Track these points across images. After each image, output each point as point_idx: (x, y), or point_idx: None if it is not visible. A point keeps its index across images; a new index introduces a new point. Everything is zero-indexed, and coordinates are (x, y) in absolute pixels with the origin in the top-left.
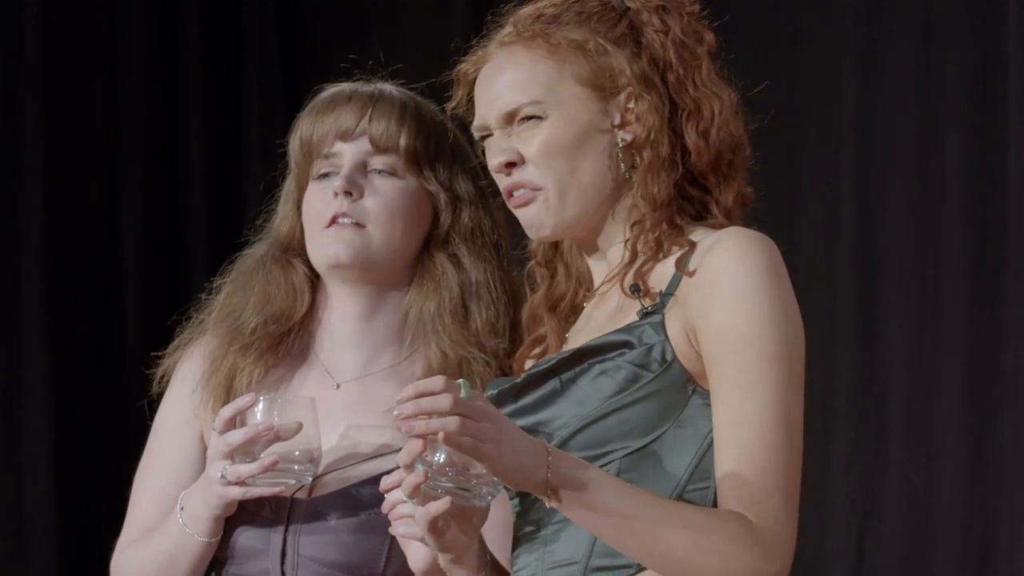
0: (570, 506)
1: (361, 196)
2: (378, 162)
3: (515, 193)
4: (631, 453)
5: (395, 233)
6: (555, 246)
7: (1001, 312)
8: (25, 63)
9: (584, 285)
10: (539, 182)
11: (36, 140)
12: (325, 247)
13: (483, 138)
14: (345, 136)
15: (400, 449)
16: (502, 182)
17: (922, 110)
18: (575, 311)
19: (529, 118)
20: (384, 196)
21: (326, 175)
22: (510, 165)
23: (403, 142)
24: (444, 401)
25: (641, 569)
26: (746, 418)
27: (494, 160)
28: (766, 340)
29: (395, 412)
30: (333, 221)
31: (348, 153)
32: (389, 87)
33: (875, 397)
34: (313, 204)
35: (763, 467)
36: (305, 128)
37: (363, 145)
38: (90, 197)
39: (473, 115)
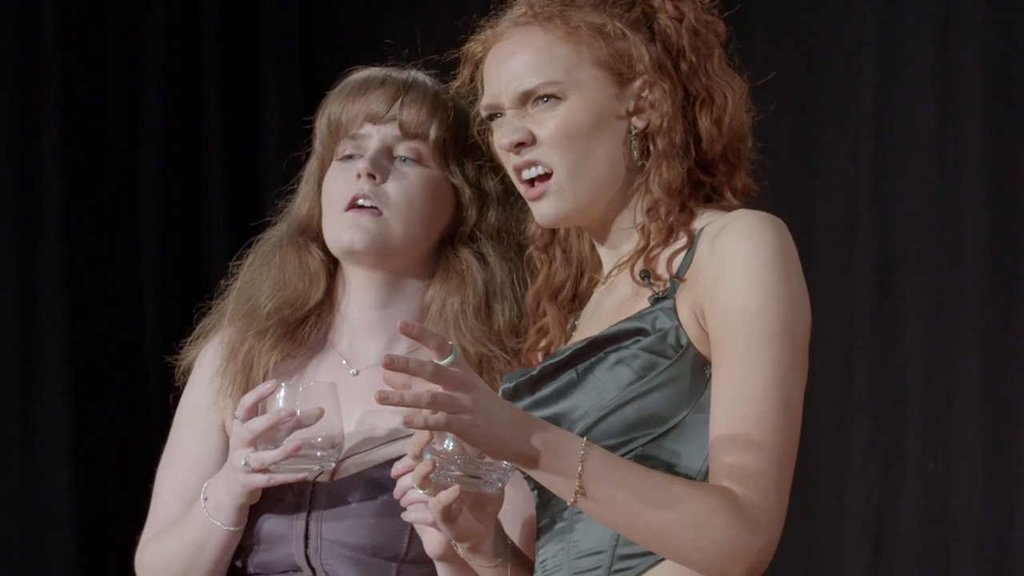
0: (549, 479)
1: (384, 180)
2: (404, 148)
3: (525, 174)
4: (652, 440)
5: (413, 222)
6: (552, 231)
7: (1018, 302)
8: (43, 51)
9: (588, 270)
10: (548, 162)
11: (54, 129)
12: (341, 232)
13: (491, 117)
14: (375, 119)
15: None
16: (510, 161)
17: (940, 100)
18: (578, 299)
19: (546, 99)
20: (406, 183)
21: (350, 157)
22: (520, 145)
23: (433, 132)
24: (426, 368)
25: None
26: (747, 395)
27: (504, 139)
28: (772, 319)
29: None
30: (353, 203)
31: (375, 136)
32: (423, 76)
33: (893, 386)
34: (334, 184)
35: (759, 445)
36: (335, 108)
37: (392, 130)
38: (108, 185)
39: (477, 94)
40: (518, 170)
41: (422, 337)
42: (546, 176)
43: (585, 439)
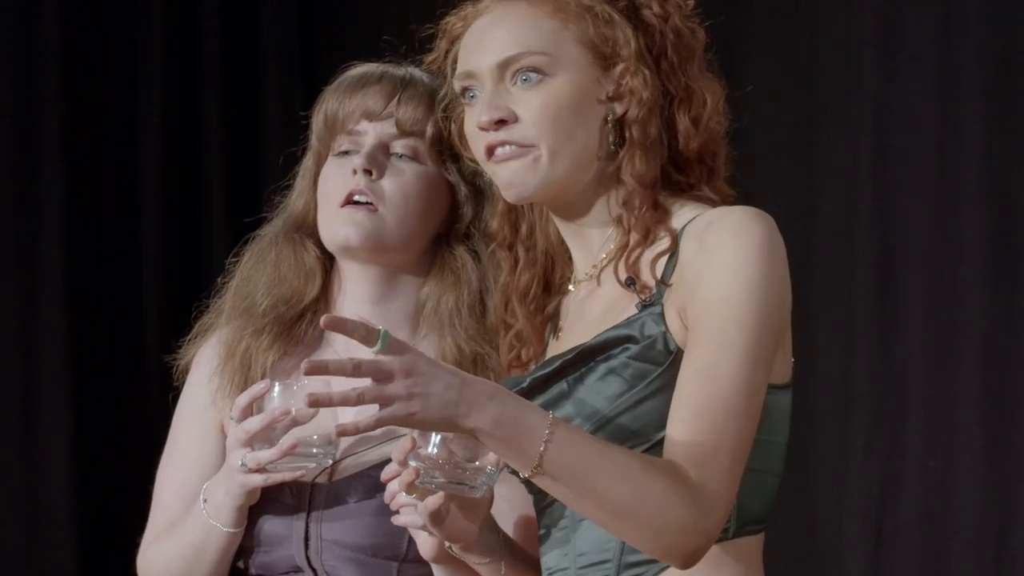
0: (506, 453)
1: (380, 176)
2: (401, 145)
3: (499, 151)
4: (648, 448)
5: (408, 218)
6: (515, 229)
7: (1019, 298)
8: (44, 50)
9: (559, 263)
10: (532, 141)
11: (54, 126)
12: (336, 227)
13: (465, 90)
14: (371, 116)
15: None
16: (484, 139)
17: (940, 96)
18: (548, 296)
19: (526, 74)
20: (402, 179)
21: (346, 152)
22: (500, 123)
23: (430, 129)
24: (345, 367)
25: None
26: (715, 375)
27: (484, 116)
28: (750, 309)
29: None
30: (348, 199)
31: (372, 132)
32: (420, 72)
33: (893, 382)
34: (330, 180)
35: (719, 428)
36: (331, 103)
37: (388, 127)
38: (108, 182)
39: (448, 73)
40: (491, 148)
41: (343, 329)
42: (524, 148)
43: (552, 414)
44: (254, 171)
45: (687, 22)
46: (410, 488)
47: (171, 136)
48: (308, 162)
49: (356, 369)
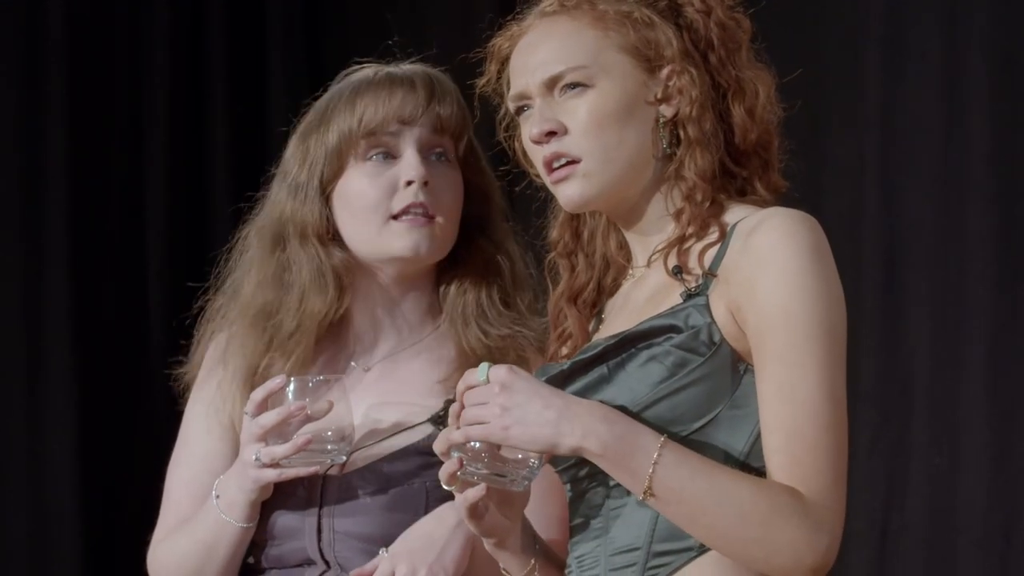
0: (615, 473)
1: (432, 185)
2: (437, 148)
3: (555, 164)
4: (685, 437)
5: (456, 223)
6: (576, 236)
7: None
8: (49, 36)
9: (614, 269)
10: (578, 153)
11: (60, 120)
12: (393, 241)
13: (519, 110)
14: (409, 120)
15: (421, 423)
16: (540, 153)
17: (946, 94)
18: (600, 298)
19: (573, 86)
20: (450, 186)
21: (378, 159)
22: (551, 134)
23: (468, 132)
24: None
25: (703, 552)
26: (796, 395)
27: (535, 129)
28: (813, 317)
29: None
30: (404, 212)
31: (410, 138)
32: (434, 70)
33: (899, 380)
34: (370, 190)
35: (814, 445)
36: (358, 108)
37: (425, 127)
38: (113, 179)
39: (503, 92)
40: (548, 162)
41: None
42: (574, 162)
43: (664, 436)
44: (260, 166)
45: (730, 13)
46: (451, 479)
47: (176, 132)
48: (314, 171)
49: (460, 397)
